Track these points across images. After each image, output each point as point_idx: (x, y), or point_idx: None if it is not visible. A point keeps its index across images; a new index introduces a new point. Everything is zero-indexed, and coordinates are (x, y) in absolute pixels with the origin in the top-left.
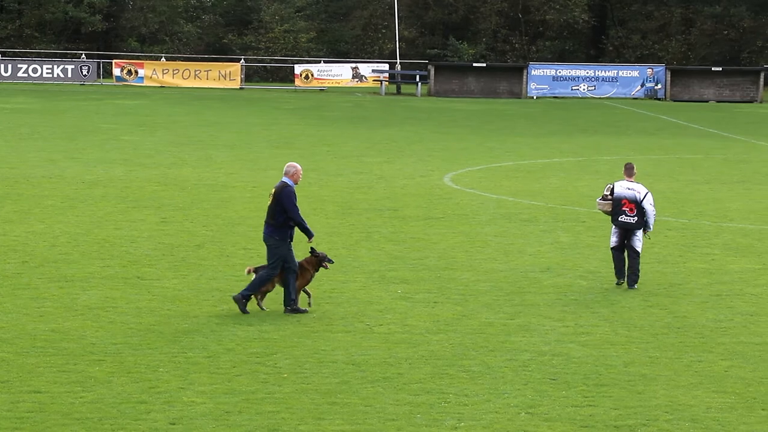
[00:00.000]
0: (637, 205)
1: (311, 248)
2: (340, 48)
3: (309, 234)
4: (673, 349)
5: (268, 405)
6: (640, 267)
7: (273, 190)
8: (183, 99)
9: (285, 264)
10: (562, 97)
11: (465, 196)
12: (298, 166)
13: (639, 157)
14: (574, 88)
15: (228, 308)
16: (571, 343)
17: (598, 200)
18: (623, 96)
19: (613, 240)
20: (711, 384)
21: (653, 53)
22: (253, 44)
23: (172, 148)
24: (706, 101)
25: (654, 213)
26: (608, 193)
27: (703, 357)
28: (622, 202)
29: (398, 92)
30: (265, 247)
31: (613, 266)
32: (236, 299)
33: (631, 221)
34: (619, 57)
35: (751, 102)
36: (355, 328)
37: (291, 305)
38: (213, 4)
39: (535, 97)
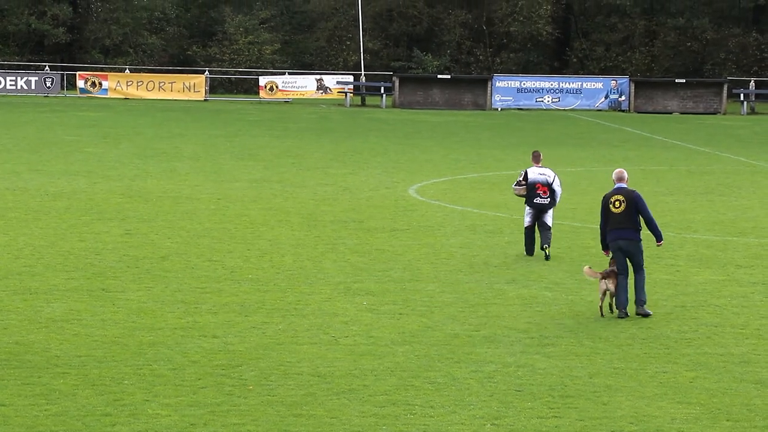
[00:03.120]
0: (549, 187)
1: None
2: (304, 60)
3: (660, 236)
4: (638, 360)
5: (233, 417)
6: (551, 236)
7: (620, 197)
8: (147, 111)
9: (619, 268)
10: (527, 109)
11: (430, 208)
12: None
13: (603, 169)
14: (538, 99)
15: (192, 320)
16: (536, 354)
17: (513, 186)
18: (587, 108)
19: (528, 220)
20: (675, 395)
21: (617, 65)
22: (217, 56)
23: (136, 160)
24: (670, 113)
25: (560, 193)
26: (522, 178)
27: (668, 368)
28: (536, 186)
29: (363, 104)
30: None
31: (524, 244)
32: (641, 313)
33: (545, 202)
34: (583, 69)
35: (714, 114)
36: (321, 340)
37: (643, 306)
38: (177, 15)
39: (499, 109)
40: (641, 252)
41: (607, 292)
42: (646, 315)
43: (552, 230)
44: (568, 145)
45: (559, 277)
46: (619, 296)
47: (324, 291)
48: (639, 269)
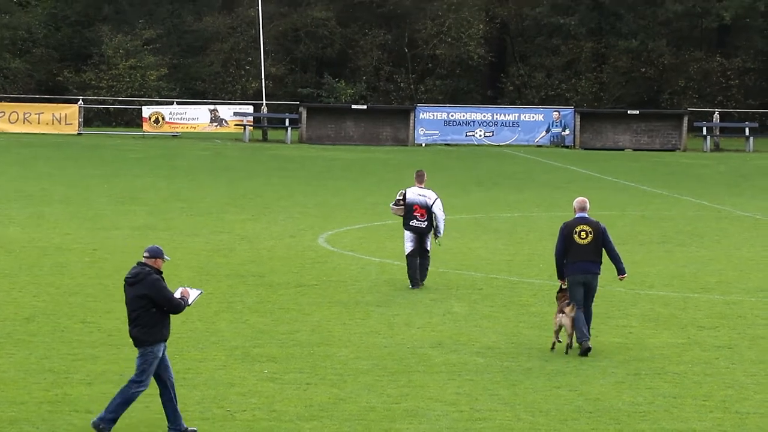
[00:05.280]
0: (428, 210)
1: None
2: (196, 87)
3: (624, 269)
4: None
5: None
6: (429, 265)
7: (587, 227)
8: (9, 147)
9: (577, 301)
10: (455, 145)
11: (343, 260)
12: None
13: (544, 214)
14: (468, 134)
15: (62, 392)
16: (467, 431)
17: (391, 205)
18: (526, 143)
19: (409, 246)
20: None
21: (560, 94)
22: (93, 82)
23: None
24: (622, 149)
25: (444, 218)
26: (401, 198)
27: None
28: (414, 208)
29: (264, 139)
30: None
31: (407, 273)
32: (585, 349)
33: (422, 225)
34: (520, 98)
35: (672, 150)
36: (214, 415)
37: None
38: (45, 35)
39: (423, 145)
40: (597, 286)
41: (563, 327)
42: (588, 349)
43: (429, 258)
44: (504, 186)
45: (492, 341)
46: (579, 330)
47: (218, 357)
48: (591, 304)
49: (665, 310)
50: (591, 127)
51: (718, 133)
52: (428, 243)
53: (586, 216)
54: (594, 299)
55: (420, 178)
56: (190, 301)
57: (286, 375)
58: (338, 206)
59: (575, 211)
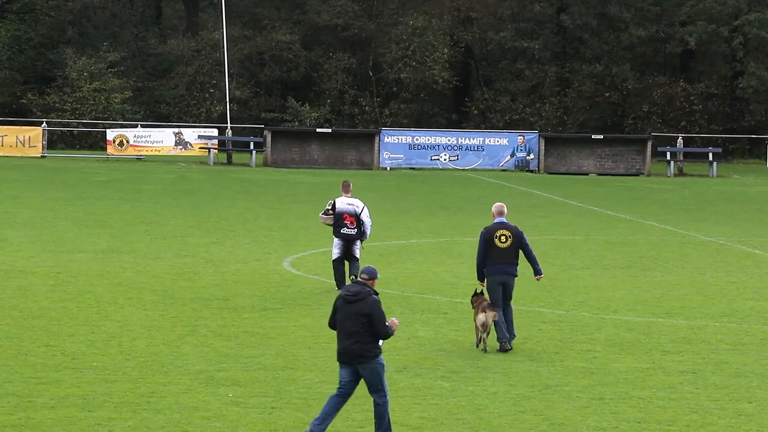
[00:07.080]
0: (357, 218)
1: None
2: (160, 110)
3: (540, 270)
4: None
5: None
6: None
7: (506, 232)
8: None
9: (496, 301)
10: (420, 169)
11: (308, 283)
12: None
13: None
14: (433, 158)
15: (26, 416)
16: None
17: (320, 215)
18: (490, 167)
19: (336, 252)
20: None
21: (524, 118)
22: (57, 105)
23: None
24: (586, 174)
25: (370, 224)
26: (330, 208)
27: None
28: (344, 216)
29: (229, 162)
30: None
31: (334, 278)
32: (508, 347)
33: (352, 233)
34: (485, 122)
35: (636, 175)
36: None
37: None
38: (9, 57)
39: (388, 168)
40: (513, 287)
41: (486, 325)
42: (507, 350)
43: (360, 261)
44: (469, 210)
45: (458, 365)
46: (500, 330)
47: (182, 381)
48: (509, 303)
49: (629, 335)
50: (555, 151)
51: (681, 158)
52: (357, 251)
53: (505, 221)
54: (511, 298)
55: (346, 188)
56: (394, 330)
57: (250, 399)
58: (303, 230)
59: (494, 216)
